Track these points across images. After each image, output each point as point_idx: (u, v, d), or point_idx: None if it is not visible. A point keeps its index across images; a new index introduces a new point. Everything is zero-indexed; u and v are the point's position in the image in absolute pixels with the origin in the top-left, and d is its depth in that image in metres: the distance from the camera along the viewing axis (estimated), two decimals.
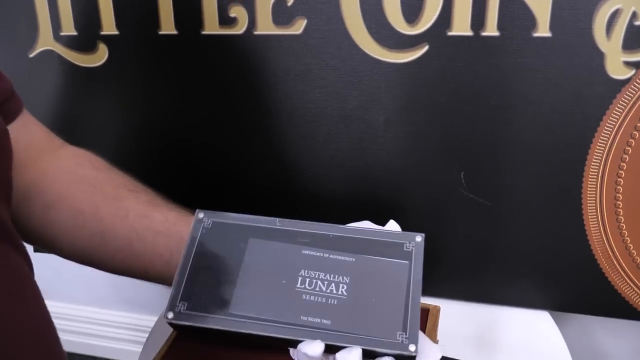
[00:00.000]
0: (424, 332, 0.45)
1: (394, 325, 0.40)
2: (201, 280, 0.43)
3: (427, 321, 0.47)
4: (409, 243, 0.43)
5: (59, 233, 0.48)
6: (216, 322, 0.41)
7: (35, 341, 0.33)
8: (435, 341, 0.45)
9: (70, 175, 0.50)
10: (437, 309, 0.48)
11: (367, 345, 0.40)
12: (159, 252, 0.49)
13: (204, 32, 0.58)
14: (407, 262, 0.43)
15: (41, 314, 0.35)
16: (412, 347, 0.39)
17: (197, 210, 0.46)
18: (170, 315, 0.42)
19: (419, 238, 0.43)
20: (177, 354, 0.45)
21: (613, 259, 0.57)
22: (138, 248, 0.49)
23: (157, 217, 0.50)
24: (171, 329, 0.45)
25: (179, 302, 0.42)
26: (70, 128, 0.61)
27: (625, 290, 0.58)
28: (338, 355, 0.40)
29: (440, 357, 0.42)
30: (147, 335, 0.63)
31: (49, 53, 0.63)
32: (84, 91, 0.64)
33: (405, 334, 0.40)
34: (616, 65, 0.50)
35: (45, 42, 0.63)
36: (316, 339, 0.40)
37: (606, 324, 0.72)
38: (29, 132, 0.50)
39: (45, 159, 0.50)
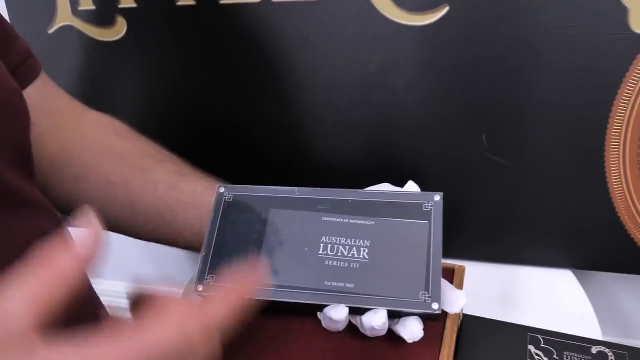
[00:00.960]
0: None
1: (417, 285, 0.41)
2: (226, 252, 0.44)
3: (452, 281, 0.47)
4: (428, 203, 0.44)
5: (90, 204, 0.49)
6: None
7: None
8: None
9: (98, 146, 0.51)
10: (462, 269, 0.49)
11: (391, 306, 0.41)
12: (189, 224, 0.50)
13: (221, 2, 0.57)
14: (426, 221, 0.43)
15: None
16: (435, 306, 0.40)
17: (217, 185, 0.47)
18: (200, 287, 0.43)
19: (438, 197, 0.44)
20: None
21: (636, 215, 0.57)
22: (168, 219, 0.50)
23: (186, 188, 0.50)
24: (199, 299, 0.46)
25: (207, 275, 0.44)
26: (91, 103, 0.61)
27: None
28: (364, 317, 0.41)
29: (465, 302, 0.43)
30: None
31: (68, 28, 0.63)
32: (105, 65, 0.65)
33: (428, 293, 0.40)
34: None
35: (64, 17, 0.63)
36: (341, 302, 0.41)
37: (628, 281, 0.72)
38: (50, 96, 0.50)
39: (69, 127, 0.50)
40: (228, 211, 0.46)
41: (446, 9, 0.53)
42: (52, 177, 0.48)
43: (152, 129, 0.56)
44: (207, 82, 0.63)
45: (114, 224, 0.51)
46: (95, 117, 0.53)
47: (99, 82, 0.66)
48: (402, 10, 0.53)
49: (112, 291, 1.05)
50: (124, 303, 0.30)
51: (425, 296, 0.41)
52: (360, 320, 0.42)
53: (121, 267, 1.03)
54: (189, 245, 0.52)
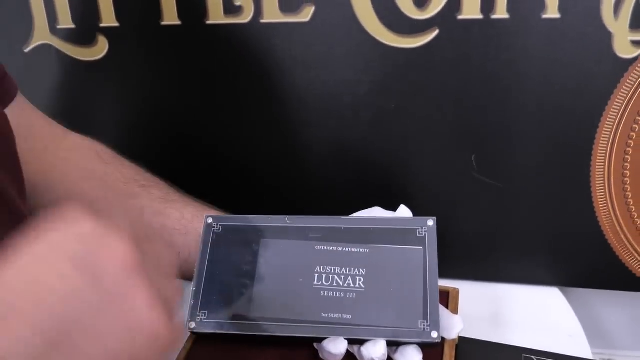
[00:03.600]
0: None
1: (415, 314, 0.40)
2: (218, 286, 0.43)
3: (447, 304, 0.47)
4: (422, 228, 0.43)
5: None
6: (237, 327, 0.42)
7: None
8: None
9: (80, 171, 0.49)
10: (457, 292, 0.49)
11: (389, 337, 0.40)
12: (177, 251, 0.48)
13: (208, 22, 0.56)
14: (421, 248, 0.43)
15: None
16: (434, 334, 0.40)
17: (205, 215, 0.46)
18: (192, 325, 0.42)
19: (431, 222, 0.43)
20: (200, 354, 0.45)
21: (621, 235, 0.58)
22: None
23: (173, 214, 0.49)
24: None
25: (199, 312, 0.42)
26: (71, 125, 0.59)
27: (633, 265, 0.59)
28: (363, 348, 0.41)
29: (462, 327, 0.43)
30: None
31: (45, 47, 0.61)
32: (84, 86, 0.63)
33: (427, 322, 0.40)
34: (623, 45, 0.51)
35: (41, 35, 0.61)
36: (338, 335, 0.40)
37: (610, 295, 0.73)
38: (28, 119, 0.48)
39: (49, 151, 0.49)
40: (218, 243, 0.45)
41: (436, 32, 0.53)
42: (32, 203, 0.46)
43: (135, 152, 0.54)
44: (193, 104, 0.62)
45: None
46: (76, 141, 0.52)
47: (80, 103, 0.64)
48: (392, 33, 0.53)
49: None
50: None
51: (424, 325, 0.40)
52: (359, 350, 0.41)
53: None
54: (178, 272, 0.50)
